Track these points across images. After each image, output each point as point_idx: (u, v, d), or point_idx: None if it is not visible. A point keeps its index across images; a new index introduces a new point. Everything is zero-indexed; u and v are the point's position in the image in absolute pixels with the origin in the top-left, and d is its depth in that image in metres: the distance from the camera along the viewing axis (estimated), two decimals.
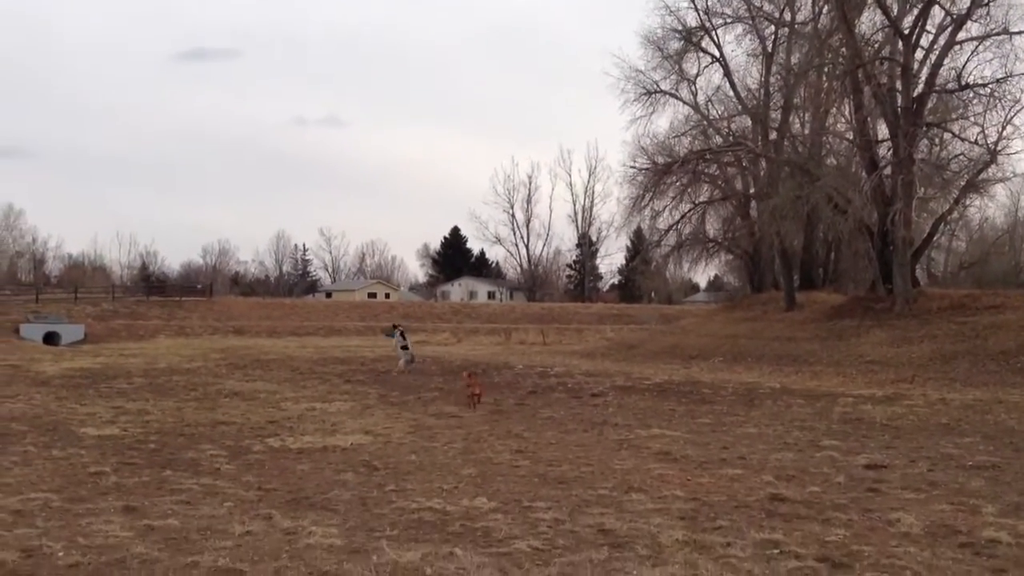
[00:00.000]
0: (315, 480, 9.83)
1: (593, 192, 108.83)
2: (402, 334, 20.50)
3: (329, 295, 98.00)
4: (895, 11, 30.29)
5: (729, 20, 37.54)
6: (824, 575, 6.38)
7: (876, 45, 32.03)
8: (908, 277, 30.73)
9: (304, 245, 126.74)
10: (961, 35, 29.83)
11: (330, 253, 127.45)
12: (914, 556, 6.86)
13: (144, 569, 6.30)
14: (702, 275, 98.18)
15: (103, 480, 9.58)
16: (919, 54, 30.32)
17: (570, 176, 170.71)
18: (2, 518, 7.70)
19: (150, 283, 77.78)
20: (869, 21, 32.86)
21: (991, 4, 28.73)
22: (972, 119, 30.59)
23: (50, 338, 42.20)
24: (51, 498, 8.55)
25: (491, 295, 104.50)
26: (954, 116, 31.23)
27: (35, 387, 20.03)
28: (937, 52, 30.05)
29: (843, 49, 31.41)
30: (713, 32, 38.26)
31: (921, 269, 43.20)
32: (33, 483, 9.31)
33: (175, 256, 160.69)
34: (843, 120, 37.14)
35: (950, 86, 30.36)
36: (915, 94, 29.99)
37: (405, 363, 21.46)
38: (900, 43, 30.37)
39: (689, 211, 41.37)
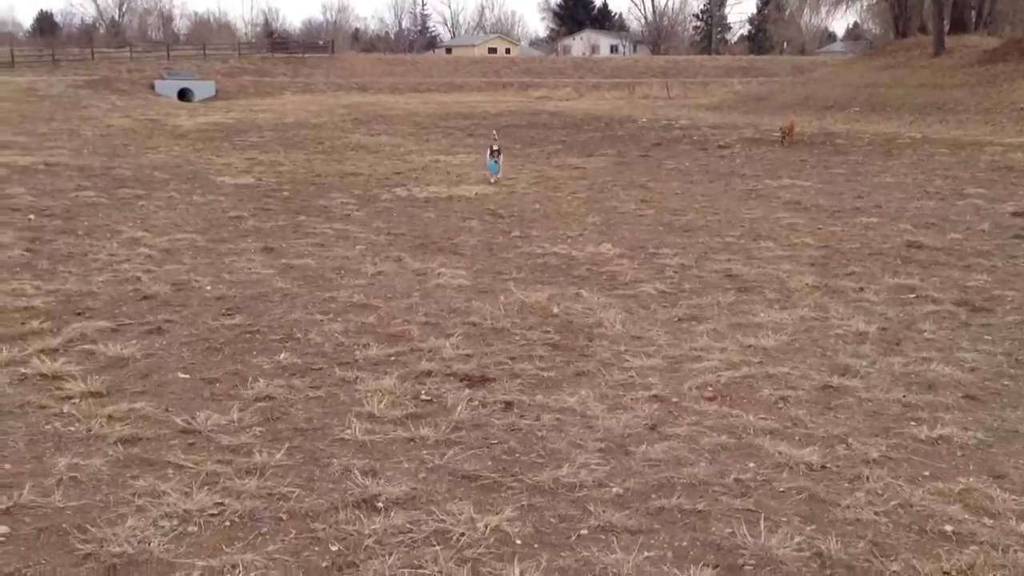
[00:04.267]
0: (442, 226, 10.01)
1: None
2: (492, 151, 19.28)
3: (449, 51, 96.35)
4: None
5: None
6: (962, 318, 6.19)
7: None
8: None
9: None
10: None
11: (449, 7, 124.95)
12: None
13: (286, 302, 6.62)
14: (840, 22, 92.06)
15: (242, 224, 9.99)
16: None
17: None
18: (153, 255, 8.16)
19: (274, 40, 77.83)
20: None
21: None
22: None
23: (183, 94, 43.32)
24: (196, 238, 8.99)
25: (614, 49, 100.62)
26: None
27: (174, 139, 20.75)
28: None
29: None
30: None
31: None
32: (178, 225, 9.80)
33: (295, 14, 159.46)
34: None
35: None
36: None
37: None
38: None
39: None
